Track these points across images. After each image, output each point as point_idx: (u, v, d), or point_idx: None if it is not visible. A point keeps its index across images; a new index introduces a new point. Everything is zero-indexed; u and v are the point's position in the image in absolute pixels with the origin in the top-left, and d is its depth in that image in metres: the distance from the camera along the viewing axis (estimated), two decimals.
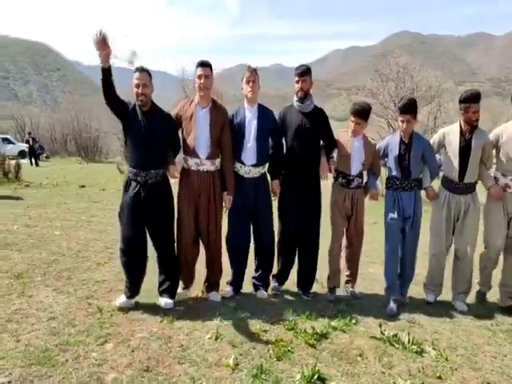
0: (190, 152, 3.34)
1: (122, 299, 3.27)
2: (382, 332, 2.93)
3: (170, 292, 3.37)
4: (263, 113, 3.53)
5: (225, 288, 3.69)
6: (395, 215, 3.54)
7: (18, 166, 12.00)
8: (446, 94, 18.20)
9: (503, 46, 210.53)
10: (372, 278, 4.47)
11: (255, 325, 3.03)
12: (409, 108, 3.42)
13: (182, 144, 3.44)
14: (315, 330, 2.90)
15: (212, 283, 3.60)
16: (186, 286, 3.62)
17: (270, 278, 3.81)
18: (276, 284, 3.83)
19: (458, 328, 3.19)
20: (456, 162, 3.47)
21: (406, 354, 2.71)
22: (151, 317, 3.13)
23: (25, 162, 17.61)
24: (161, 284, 3.40)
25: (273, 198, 3.66)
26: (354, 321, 3.15)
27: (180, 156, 3.45)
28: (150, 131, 3.13)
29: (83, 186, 11.56)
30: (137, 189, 3.17)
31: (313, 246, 3.72)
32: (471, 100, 3.40)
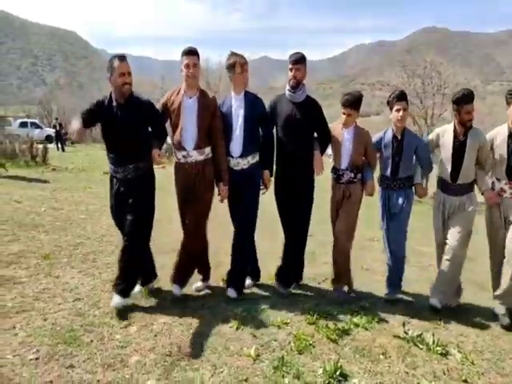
0: (177, 145, 3.24)
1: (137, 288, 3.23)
2: (405, 331, 2.88)
3: (144, 281, 3.30)
4: (250, 101, 3.34)
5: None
6: (385, 215, 3.56)
7: (45, 150, 12.27)
8: (474, 93, 17.67)
9: None
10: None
11: (276, 317, 3.02)
12: (403, 95, 3.41)
13: (170, 135, 3.34)
14: (337, 326, 2.87)
15: (200, 273, 3.49)
16: (205, 278, 3.54)
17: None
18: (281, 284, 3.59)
19: (484, 331, 3.11)
20: (449, 164, 3.39)
21: (431, 355, 2.66)
22: (174, 303, 3.17)
23: (51, 146, 18.02)
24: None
25: (262, 192, 3.46)
26: (376, 319, 3.10)
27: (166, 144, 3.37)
28: (124, 125, 2.97)
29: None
30: (117, 185, 3.09)
31: (301, 239, 3.57)
32: (463, 101, 3.28)
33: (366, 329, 2.95)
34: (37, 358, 2.34)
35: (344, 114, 3.40)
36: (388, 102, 3.48)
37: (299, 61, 3.38)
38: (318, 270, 4.21)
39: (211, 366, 2.40)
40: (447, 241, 3.42)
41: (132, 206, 3.05)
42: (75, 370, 2.27)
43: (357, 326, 2.97)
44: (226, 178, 3.32)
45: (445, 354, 2.68)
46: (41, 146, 12.80)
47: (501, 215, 3.37)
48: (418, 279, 4.20)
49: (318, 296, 3.60)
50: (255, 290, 3.63)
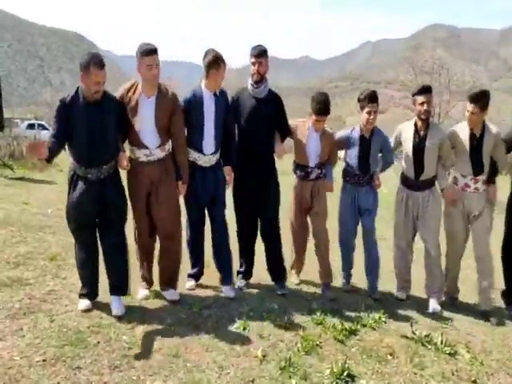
0: (138, 142, 3.04)
1: (83, 303, 3.00)
2: (413, 332, 2.86)
3: (120, 290, 3.06)
4: (221, 97, 3.28)
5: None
6: (350, 209, 3.58)
7: None
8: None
9: None
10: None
11: (283, 317, 3.01)
12: (375, 97, 3.38)
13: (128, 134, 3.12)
14: (344, 326, 2.86)
15: (171, 280, 3.29)
16: (147, 286, 3.38)
17: (235, 274, 3.65)
18: (242, 280, 3.62)
19: (493, 331, 3.09)
20: (411, 160, 3.42)
21: (439, 355, 2.64)
22: (180, 305, 3.16)
23: None
24: (111, 283, 3.08)
25: (227, 187, 3.44)
26: (383, 318, 3.08)
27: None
28: (97, 124, 2.81)
29: None
30: (86, 186, 2.86)
31: (275, 237, 3.55)
32: (417, 92, 3.34)
33: (373, 329, 2.93)
34: (44, 360, 2.34)
35: (317, 121, 3.38)
36: (359, 100, 3.43)
37: (261, 54, 3.29)
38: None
39: (218, 367, 2.40)
40: (424, 242, 3.51)
41: (111, 209, 2.94)
42: (82, 372, 2.28)
43: (364, 326, 2.95)
44: (186, 176, 3.20)
45: (453, 354, 2.66)
46: None
47: (463, 210, 3.39)
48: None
49: (324, 296, 3.58)
50: (261, 290, 3.62)
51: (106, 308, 2.99)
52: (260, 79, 3.33)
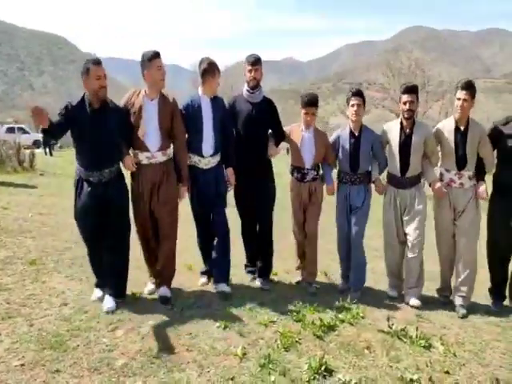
0: (140, 146, 3.21)
1: (97, 293, 3.22)
2: (389, 326, 2.93)
3: (115, 292, 3.15)
4: (218, 102, 3.47)
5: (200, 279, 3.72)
6: (344, 209, 3.66)
7: (33, 155, 12.15)
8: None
9: None
10: (382, 272, 4.44)
11: (263, 315, 3.05)
12: (359, 92, 3.53)
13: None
14: (323, 322, 2.91)
15: (165, 278, 3.38)
16: (155, 281, 3.48)
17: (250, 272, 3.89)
18: (260, 279, 3.77)
19: (467, 324, 3.18)
20: (397, 157, 3.51)
21: (414, 348, 2.72)
22: (161, 305, 3.18)
23: (39, 151, 17.82)
24: (108, 282, 3.18)
25: (229, 189, 3.59)
26: (361, 314, 3.15)
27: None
28: (101, 130, 2.98)
29: None
30: (90, 189, 3.04)
31: (267, 233, 3.74)
32: (402, 91, 3.47)
33: (351, 324, 2.99)
34: (22, 365, 2.34)
35: (305, 114, 3.55)
36: (347, 99, 3.60)
37: (257, 62, 3.54)
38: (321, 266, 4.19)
39: (198, 367, 2.42)
40: (408, 237, 3.57)
41: (112, 210, 3.09)
42: (61, 375, 2.28)
43: (342, 321, 3.01)
44: (186, 179, 3.38)
45: (428, 347, 2.74)
46: (28, 152, 12.66)
47: (450, 205, 3.48)
48: None
49: (306, 293, 3.65)
50: (244, 289, 3.66)
51: (86, 311, 2.99)
52: (256, 85, 3.55)
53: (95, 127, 2.97)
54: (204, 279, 3.71)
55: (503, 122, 3.50)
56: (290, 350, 2.61)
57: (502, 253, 3.52)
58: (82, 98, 3.02)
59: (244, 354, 2.55)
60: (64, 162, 16.62)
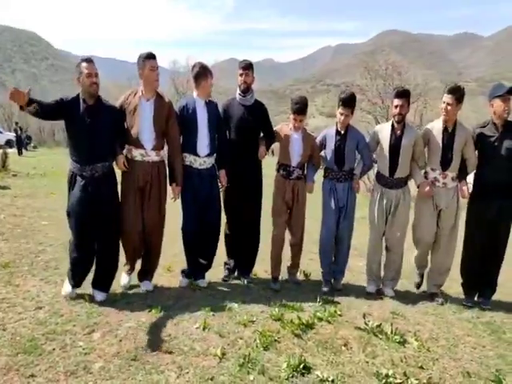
0: (135, 142, 3.31)
1: (68, 288, 3.25)
2: (365, 323, 2.99)
3: (104, 285, 3.29)
4: (210, 104, 3.59)
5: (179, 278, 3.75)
6: (331, 205, 3.76)
7: (5, 156, 11.79)
8: (432, 92, 18.49)
9: (490, 47, 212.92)
10: (360, 271, 4.55)
11: (243, 315, 3.07)
12: (349, 102, 3.62)
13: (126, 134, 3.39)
14: (301, 321, 2.94)
15: (146, 272, 3.58)
16: (130, 272, 3.60)
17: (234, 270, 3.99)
18: (245, 276, 3.92)
19: (440, 320, 3.27)
20: (387, 158, 3.63)
21: (389, 344, 2.78)
22: (139, 307, 3.15)
23: (12, 151, 17.29)
24: (96, 276, 3.31)
25: (220, 190, 3.73)
26: (338, 312, 3.20)
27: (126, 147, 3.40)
28: (94, 125, 3.08)
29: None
30: (83, 183, 3.11)
31: (255, 232, 3.90)
32: (394, 95, 3.60)
33: (329, 322, 3.04)
34: None
35: (295, 119, 3.67)
36: (338, 98, 3.70)
37: (248, 67, 3.68)
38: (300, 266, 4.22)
39: (177, 368, 2.41)
40: (389, 236, 3.73)
41: (103, 205, 3.17)
42: (36, 380, 2.23)
43: (320, 319, 3.05)
44: (180, 179, 3.46)
45: (403, 343, 2.81)
46: (0, 151, 12.26)
47: (433, 204, 3.61)
48: None
49: (286, 291, 3.69)
50: (224, 288, 3.68)
51: (62, 314, 2.93)
52: (247, 89, 3.68)
53: (90, 123, 3.07)
54: (184, 279, 3.71)
55: (482, 125, 3.63)
56: (269, 349, 2.64)
57: (476, 248, 3.65)
58: (77, 96, 3.10)
59: (223, 354, 2.55)
60: (37, 162, 16.20)
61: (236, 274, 3.99)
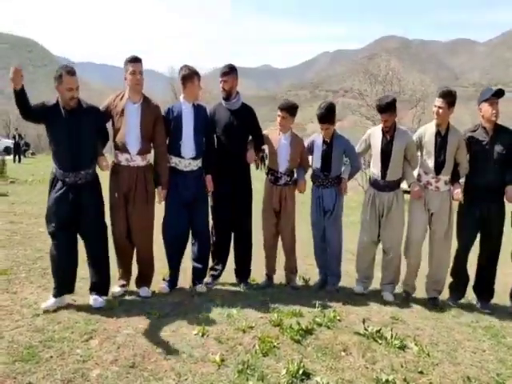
0: (121, 147, 3.32)
1: (49, 302, 3.11)
2: (365, 328, 2.98)
3: (100, 290, 3.28)
4: (198, 108, 3.60)
5: (160, 284, 3.68)
6: (318, 211, 3.81)
7: (3, 162, 11.80)
8: (430, 97, 18.58)
9: (485, 53, 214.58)
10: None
11: (241, 321, 3.05)
12: (325, 118, 3.64)
13: (112, 139, 3.41)
14: (300, 326, 2.92)
15: (142, 278, 3.57)
16: (124, 283, 3.57)
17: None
18: (210, 279, 3.88)
19: (440, 325, 3.26)
20: (379, 161, 3.66)
21: (389, 349, 2.77)
22: (137, 313, 3.13)
23: (9, 158, 17.32)
24: (91, 282, 3.31)
25: (209, 194, 3.75)
26: (338, 317, 3.19)
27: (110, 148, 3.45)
28: (75, 131, 3.03)
29: None
30: (64, 189, 3.07)
31: (246, 236, 3.89)
32: (379, 110, 3.61)
33: (328, 327, 3.02)
34: None
35: (278, 116, 3.69)
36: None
37: (227, 73, 3.68)
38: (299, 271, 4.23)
39: (175, 375, 2.40)
40: (384, 239, 3.73)
41: (87, 213, 3.13)
42: None
43: (320, 325, 3.03)
44: (166, 182, 3.46)
45: (403, 348, 2.79)
46: None
47: (425, 206, 3.61)
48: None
49: (284, 296, 3.66)
50: (223, 293, 3.65)
51: (59, 321, 2.91)
52: (227, 95, 3.68)
53: (70, 129, 3.02)
54: (164, 285, 3.64)
55: (473, 129, 3.66)
56: (269, 355, 2.62)
57: (465, 250, 3.68)
58: (57, 101, 3.06)
59: (222, 360, 2.53)
60: (35, 168, 16.17)
61: (236, 279, 3.98)
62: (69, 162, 3.06)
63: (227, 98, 3.70)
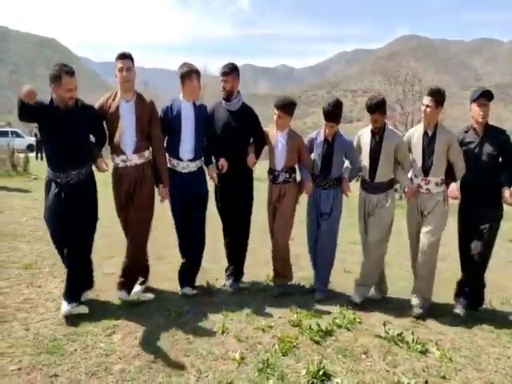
0: (116, 149, 3.27)
1: (64, 307, 2.97)
2: (386, 331, 2.94)
3: (71, 295, 3.03)
4: (199, 107, 3.52)
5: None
6: (314, 213, 3.69)
7: (27, 160, 12.12)
8: (451, 98, 18.23)
9: (509, 53, 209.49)
10: None
11: (261, 320, 3.06)
12: (332, 116, 3.50)
13: (108, 141, 3.35)
14: (320, 327, 2.92)
15: (125, 280, 3.36)
16: (143, 280, 3.55)
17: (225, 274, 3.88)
18: (230, 280, 3.80)
19: (462, 329, 3.20)
20: (367, 162, 3.57)
21: (410, 353, 2.73)
22: (158, 310, 3.18)
23: (32, 155, 17.76)
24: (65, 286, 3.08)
25: (211, 185, 3.65)
26: (357, 319, 3.16)
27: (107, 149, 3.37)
28: (69, 131, 2.97)
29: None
30: (57, 190, 3.02)
31: (243, 237, 3.79)
32: (368, 110, 3.49)
33: (348, 329, 3.01)
34: (19, 369, 2.33)
35: (275, 114, 3.57)
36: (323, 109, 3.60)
37: (228, 73, 3.55)
38: (302, 272, 4.22)
39: (196, 371, 2.43)
40: (368, 238, 3.58)
41: (76, 213, 3.03)
42: (59, 379, 2.27)
43: (339, 326, 3.02)
44: (166, 179, 3.38)
45: (424, 352, 2.75)
46: (22, 155, 12.60)
47: (418, 209, 3.52)
48: (402, 279, 4.27)
49: (303, 297, 3.64)
50: (241, 293, 3.66)
51: (82, 315, 2.97)
52: (227, 95, 3.56)
53: (63, 128, 2.96)
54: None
55: (465, 130, 3.57)
56: (288, 355, 2.62)
57: (465, 252, 3.53)
58: (51, 100, 2.97)
59: (242, 358, 2.55)
60: None
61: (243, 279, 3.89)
62: (60, 161, 3.01)
63: (228, 98, 3.58)
